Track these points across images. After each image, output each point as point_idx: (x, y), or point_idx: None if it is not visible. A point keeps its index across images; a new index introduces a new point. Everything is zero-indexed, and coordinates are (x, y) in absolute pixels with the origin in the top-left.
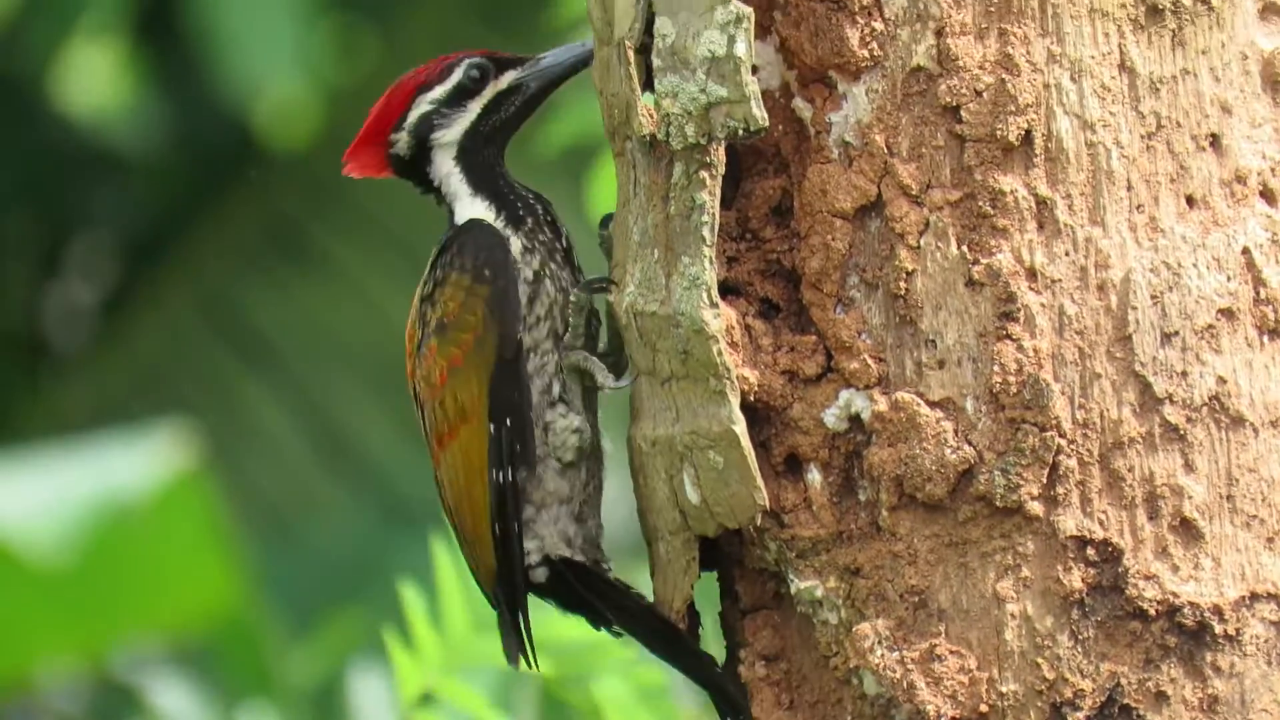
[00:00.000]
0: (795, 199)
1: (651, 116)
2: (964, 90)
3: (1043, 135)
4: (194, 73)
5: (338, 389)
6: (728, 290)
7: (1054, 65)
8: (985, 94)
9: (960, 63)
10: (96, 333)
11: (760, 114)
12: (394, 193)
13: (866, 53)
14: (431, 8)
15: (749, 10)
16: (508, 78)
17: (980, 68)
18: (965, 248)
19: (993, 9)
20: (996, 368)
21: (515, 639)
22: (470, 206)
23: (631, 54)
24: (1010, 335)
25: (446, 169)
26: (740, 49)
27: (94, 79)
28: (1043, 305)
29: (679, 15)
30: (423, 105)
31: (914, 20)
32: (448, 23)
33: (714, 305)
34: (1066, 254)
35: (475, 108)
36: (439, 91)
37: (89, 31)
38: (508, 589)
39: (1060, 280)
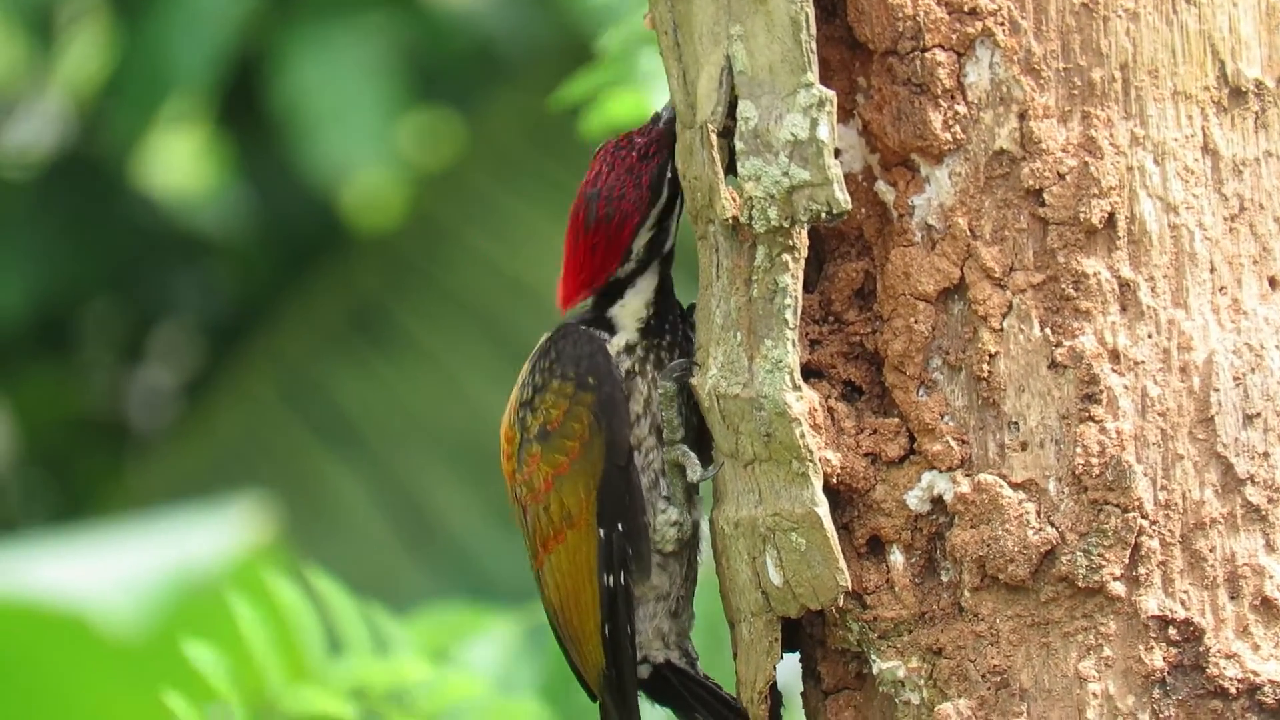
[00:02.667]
0: (878, 282)
1: (734, 200)
2: (1047, 173)
3: (1126, 218)
4: (277, 157)
5: (420, 470)
6: (810, 373)
7: (1137, 148)
8: (1068, 177)
9: (1043, 146)
10: (178, 415)
11: (843, 197)
12: (477, 275)
13: (949, 136)
14: (513, 94)
15: (831, 94)
16: (667, 165)
17: (1064, 150)
18: (1048, 330)
19: (1076, 92)
20: (1079, 449)
21: None
22: (637, 297)
23: (714, 137)
24: (1093, 417)
25: (653, 272)
26: (823, 132)
27: (177, 162)
28: (1125, 387)
29: (762, 99)
30: (644, 235)
31: (997, 103)
32: (529, 109)
33: (797, 388)
34: (1149, 336)
35: (676, 207)
36: (654, 214)
37: (172, 118)
38: (618, 688)
39: (1143, 362)
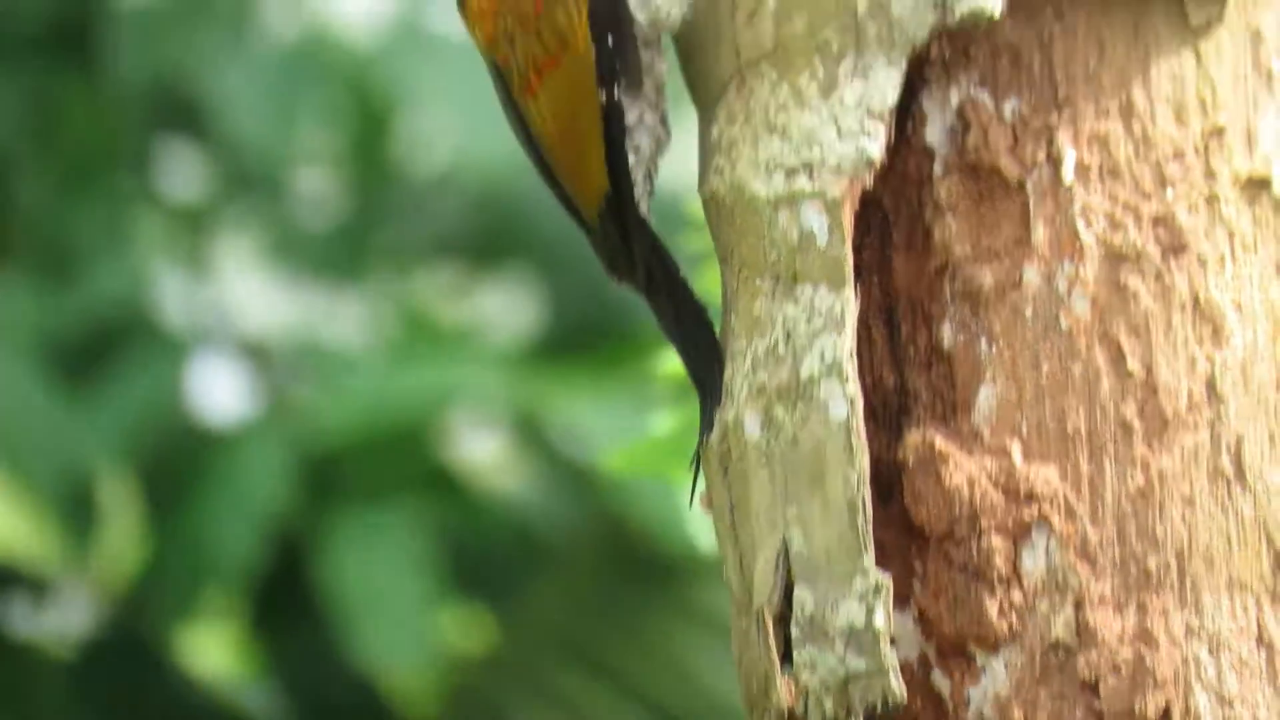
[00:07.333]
0: None
1: (790, 690)
2: (1103, 665)
3: (1181, 711)
4: (320, 641)
5: None
6: None
7: (1192, 638)
8: (1123, 669)
9: (1099, 636)
10: None
11: (899, 688)
12: None
13: (1005, 625)
14: (543, 592)
15: (888, 580)
16: None
17: (1119, 641)
18: None
19: (1132, 580)
20: None
21: (623, 257)
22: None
23: (771, 624)
24: None
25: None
26: (879, 620)
27: (217, 647)
28: None
29: (818, 584)
30: None
31: (1053, 590)
32: (569, 595)
33: None
34: None
35: None
36: None
37: (211, 609)
38: (617, 208)
39: None
